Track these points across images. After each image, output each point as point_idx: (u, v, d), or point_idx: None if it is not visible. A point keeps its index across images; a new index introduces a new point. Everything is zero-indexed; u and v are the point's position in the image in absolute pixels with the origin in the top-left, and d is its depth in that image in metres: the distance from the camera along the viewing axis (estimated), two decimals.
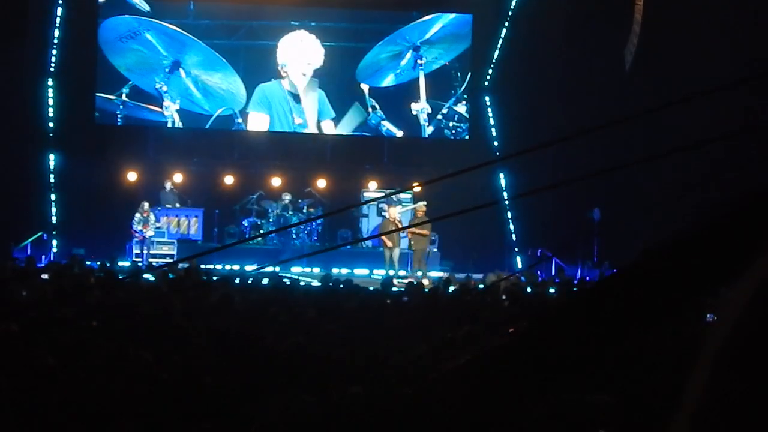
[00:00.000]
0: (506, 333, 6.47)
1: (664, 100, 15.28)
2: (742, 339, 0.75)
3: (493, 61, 20.77)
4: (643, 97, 16.23)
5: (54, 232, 19.38)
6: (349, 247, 18.94)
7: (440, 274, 17.64)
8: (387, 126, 20.95)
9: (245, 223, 19.53)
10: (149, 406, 4.73)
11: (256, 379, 5.32)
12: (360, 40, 20.90)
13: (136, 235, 18.34)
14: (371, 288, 11.49)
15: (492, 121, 21.04)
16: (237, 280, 11.52)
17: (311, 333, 6.87)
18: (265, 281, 11.44)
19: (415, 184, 18.69)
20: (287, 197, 19.66)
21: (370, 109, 20.87)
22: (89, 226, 18.68)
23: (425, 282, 14.78)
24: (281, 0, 20.60)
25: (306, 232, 19.32)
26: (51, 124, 19.71)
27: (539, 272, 16.64)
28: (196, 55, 20.38)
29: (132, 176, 20.13)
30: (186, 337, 6.68)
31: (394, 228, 16.80)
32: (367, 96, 20.83)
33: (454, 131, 21.20)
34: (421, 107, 20.95)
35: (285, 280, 11.75)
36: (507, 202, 20.23)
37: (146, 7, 20.11)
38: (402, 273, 17.05)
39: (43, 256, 17.91)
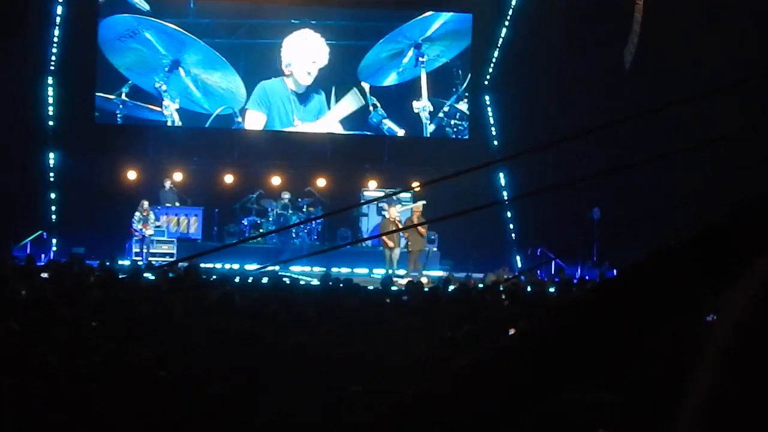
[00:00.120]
0: (506, 332, 6.47)
1: (664, 100, 15.29)
2: (742, 339, 0.75)
3: (493, 60, 20.77)
4: (644, 96, 16.22)
5: (54, 231, 19.37)
6: (348, 246, 18.92)
7: (440, 273, 17.65)
8: (388, 124, 20.95)
9: (245, 222, 19.53)
10: (149, 406, 4.73)
11: (256, 379, 5.32)
12: (361, 38, 20.89)
13: (136, 233, 18.34)
14: (371, 287, 11.49)
15: (492, 121, 21.04)
16: (237, 279, 11.53)
17: (311, 332, 6.87)
18: (264, 280, 11.44)
19: (415, 184, 18.69)
20: (286, 196, 19.66)
21: (371, 108, 20.86)
22: (89, 225, 18.67)
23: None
24: None
25: (306, 231, 19.31)
26: (51, 123, 19.70)
27: (539, 272, 16.63)
28: (196, 54, 20.37)
29: (132, 175, 20.13)
30: (186, 336, 6.68)
31: (394, 227, 16.78)
32: (368, 94, 20.83)
33: (455, 129, 21.20)
34: (422, 105, 20.96)
35: (285, 279, 11.75)
36: (506, 200, 20.24)
37: (146, 6, 20.10)
38: (401, 272, 17.04)
39: (43, 255, 17.89)
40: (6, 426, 4.05)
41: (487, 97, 21.15)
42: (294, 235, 19.14)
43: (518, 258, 19.96)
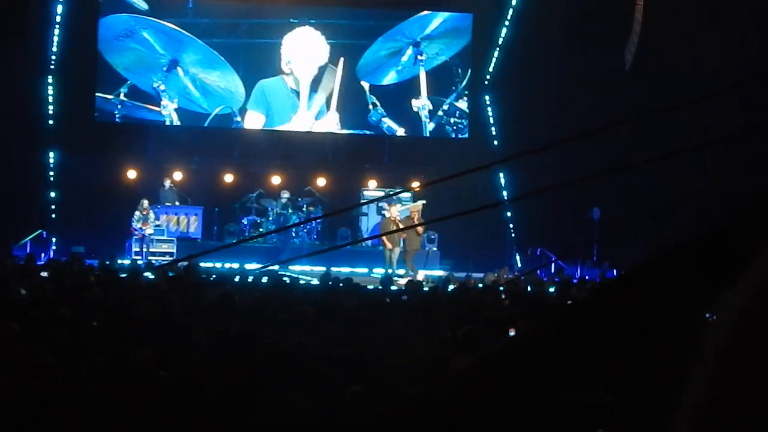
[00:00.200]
0: (506, 332, 6.47)
1: (664, 100, 15.30)
2: (741, 338, 0.76)
3: (493, 60, 20.77)
4: (644, 96, 16.22)
5: (54, 230, 19.37)
6: (348, 245, 18.91)
7: (440, 273, 17.64)
8: (388, 123, 20.94)
9: (245, 221, 19.53)
10: (149, 406, 4.73)
11: (256, 379, 5.32)
12: (360, 37, 20.88)
13: (136, 233, 18.34)
14: (371, 287, 11.48)
15: (492, 120, 21.04)
16: (236, 279, 11.52)
17: (311, 332, 6.87)
18: (264, 280, 11.44)
19: (416, 184, 18.69)
20: (286, 195, 19.66)
21: (370, 106, 20.85)
22: (89, 224, 18.67)
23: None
24: None
25: (306, 230, 19.31)
26: (51, 122, 19.70)
27: (539, 271, 16.62)
28: (194, 54, 20.34)
29: (132, 174, 20.12)
30: (185, 336, 6.68)
31: (394, 226, 16.76)
32: (367, 93, 20.82)
33: (455, 127, 21.19)
34: (422, 104, 20.95)
35: (284, 278, 11.74)
36: (506, 200, 20.23)
37: (144, 6, 20.06)
38: (401, 272, 17.04)
39: (43, 254, 17.89)
40: (6, 426, 4.05)
41: (487, 97, 21.15)
42: (294, 235, 19.14)
43: (518, 258, 19.96)
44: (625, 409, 4.10)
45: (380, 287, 11.51)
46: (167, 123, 20.33)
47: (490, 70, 20.91)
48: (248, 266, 15.89)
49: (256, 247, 18.50)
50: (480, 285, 12.56)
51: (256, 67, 20.52)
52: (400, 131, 21.03)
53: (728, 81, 14.02)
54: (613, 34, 18.07)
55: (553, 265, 18.04)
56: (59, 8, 19.36)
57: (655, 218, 15.08)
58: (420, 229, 17.00)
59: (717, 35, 15.30)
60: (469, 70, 21.02)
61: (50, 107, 19.64)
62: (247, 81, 20.50)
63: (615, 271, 16.47)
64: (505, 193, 20.22)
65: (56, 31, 19.44)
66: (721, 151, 13.59)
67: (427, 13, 20.99)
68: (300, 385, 4.93)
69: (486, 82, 21.06)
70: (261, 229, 19.21)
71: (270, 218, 19.45)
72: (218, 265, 16.46)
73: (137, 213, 18.29)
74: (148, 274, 12.15)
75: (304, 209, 19.64)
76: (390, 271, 16.72)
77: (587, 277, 15.80)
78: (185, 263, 12.50)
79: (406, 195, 18.99)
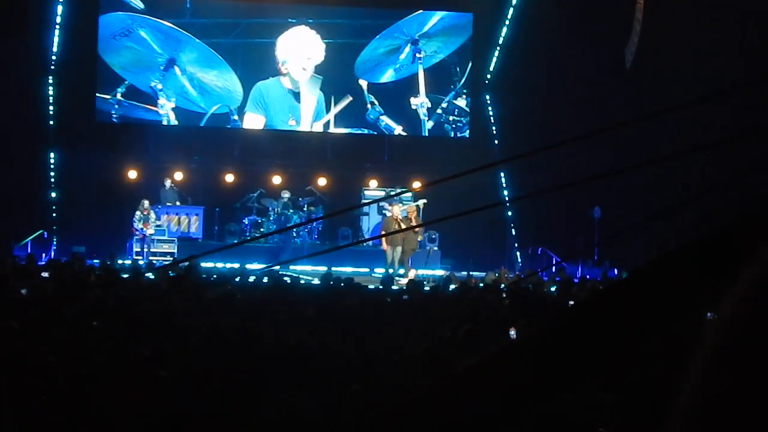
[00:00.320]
0: (506, 332, 6.47)
1: (664, 100, 15.30)
2: (738, 338, 0.75)
3: (494, 59, 20.77)
4: (644, 96, 16.22)
5: (55, 230, 19.37)
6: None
7: (441, 272, 17.64)
8: (386, 121, 20.92)
9: (246, 221, 19.53)
10: (149, 405, 4.73)
11: (256, 378, 5.32)
12: (358, 36, 20.87)
13: (137, 233, 18.34)
14: (371, 286, 11.49)
15: (492, 120, 21.04)
16: (237, 279, 11.52)
17: (311, 331, 6.87)
18: (265, 279, 11.44)
19: (417, 183, 18.68)
20: (287, 195, 19.66)
21: (369, 105, 20.84)
22: (90, 224, 18.68)
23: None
24: None
25: (306, 230, 19.31)
26: (51, 122, 19.71)
27: (539, 271, 16.63)
28: (192, 53, 20.31)
29: (132, 174, 20.12)
30: (186, 335, 6.68)
31: (397, 226, 16.74)
32: (365, 92, 20.81)
33: (454, 126, 21.18)
34: (420, 102, 20.93)
35: (285, 278, 11.75)
36: (507, 201, 20.23)
37: (140, 5, 20.02)
38: (402, 272, 17.04)
39: (44, 254, 17.90)
40: (6, 426, 4.06)
41: (487, 96, 21.14)
42: (295, 234, 19.14)
43: (519, 257, 19.96)
44: (625, 409, 4.10)
45: (381, 287, 11.51)
46: (164, 122, 20.31)
47: (491, 69, 20.91)
48: (249, 266, 15.88)
49: (257, 247, 18.49)
50: (481, 285, 12.57)
51: (254, 66, 20.50)
52: (398, 129, 21.01)
53: (728, 81, 14.02)
54: (613, 34, 18.07)
55: (553, 264, 18.05)
56: (59, 8, 19.36)
57: (655, 218, 15.08)
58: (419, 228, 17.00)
59: (717, 35, 15.30)
60: (468, 68, 21.01)
61: (51, 107, 19.64)
62: (245, 80, 20.48)
63: (616, 271, 16.46)
64: (506, 192, 20.22)
65: (56, 32, 19.44)
66: (721, 151, 13.58)
67: (425, 11, 20.98)
68: (300, 384, 4.93)
69: (486, 82, 21.06)
70: (262, 229, 19.22)
71: (271, 218, 19.45)
72: (219, 265, 16.47)
73: (138, 213, 18.29)
74: (149, 274, 12.16)
75: (305, 209, 19.65)
76: (391, 270, 16.71)
77: (588, 276, 15.80)
78: (186, 263, 12.50)
79: (407, 194, 18.99)
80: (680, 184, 15.49)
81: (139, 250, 18.34)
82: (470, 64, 21.02)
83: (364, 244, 19.46)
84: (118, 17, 20.01)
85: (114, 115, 20.19)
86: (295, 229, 19.04)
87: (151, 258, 18.05)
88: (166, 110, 20.20)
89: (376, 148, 21.15)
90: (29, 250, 17.30)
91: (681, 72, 15.45)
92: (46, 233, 19.10)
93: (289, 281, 11.36)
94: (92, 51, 19.94)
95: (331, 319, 7.75)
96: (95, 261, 14.66)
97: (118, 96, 20.07)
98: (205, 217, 19.70)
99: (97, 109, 20.21)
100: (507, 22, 20.32)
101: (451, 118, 21.14)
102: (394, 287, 11.96)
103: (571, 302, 9.29)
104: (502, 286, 11.91)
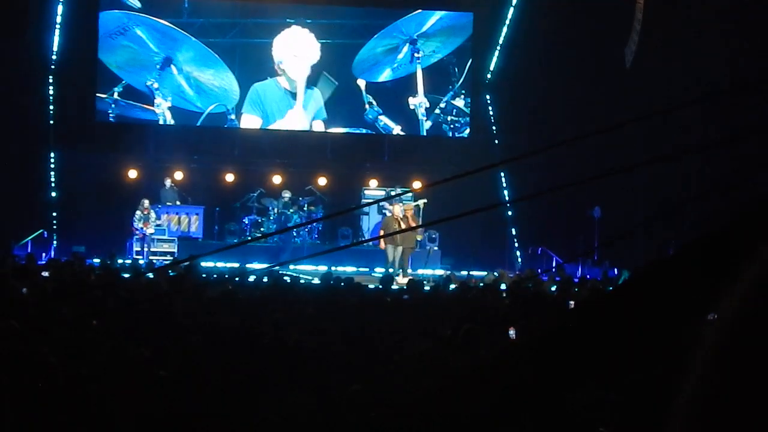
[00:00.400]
0: (506, 332, 6.47)
1: (664, 100, 15.30)
2: (738, 338, 0.76)
3: (494, 59, 20.77)
4: (644, 96, 16.21)
5: (55, 230, 19.37)
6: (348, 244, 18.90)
7: (441, 272, 17.64)
8: (384, 121, 20.91)
9: (246, 220, 19.53)
10: (149, 405, 4.73)
11: (256, 377, 5.32)
12: (357, 36, 20.85)
13: (137, 232, 18.34)
14: (371, 286, 11.49)
15: (493, 120, 21.04)
16: (237, 279, 11.52)
17: (311, 331, 6.87)
18: (265, 279, 11.44)
19: (418, 184, 18.67)
20: (287, 194, 19.66)
21: (367, 105, 20.83)
22: (90, 224, 18.67)
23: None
24: None
25: (306, 229, 19.31)
26: (51, 122, 19.70)
27: (539, 271, 16.63)
28: (188, 52, 20.26)
29: (132, 174, 20.12)
30: (186, 334, 6.68)
31: (397, 225, 16.74)
32: (363, 92, 20.79)
33: (452, 126, 21.17)
34: (418, 101, 20.92)
35: (285, 277, 11.75)
36: (507, 200, 20.23)
37: (137, 4, 19.98)
38: (400, 272, 17.03)
39: (44, 254, 17.90)
40: (6, 426, 4.06)
41: (487, 96, 21.14)
42: (295, 234, 19.14)
43: (519, 257, 19.96)
44: (625, 409, 4.10)
45: (381, 286, 11.51)
46: (161, 122, 20.28)
47: (491, 69, 20.91)
48: (249, 266, 15.88)
49: (257, 247, 18.47)
50: (481, 285, 12.56)
51: (251, 65, 20.45)
52: (397, 129, 20.99)
53: (728, 81, 14.03)
54: (613, 34, 18.06)
55: (553, 263, 18.05)
56: (59, 8, 19.36)
57: (655, 218, 15.08)
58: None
59: (717, 35, 15.29)
60: (467, 68, 21.00)
61: (51, 107, 19.64)
62: (242, 80, 20.44)
63: (616, 270, 16.46)
64: (506, 192, 20.22)
65: (56, 32, 19.43)
66: (721, 151, 13.59)
67: (423, 11, 20.97)
68: (300, 383, 4.94)
69: (486, 82, 21.06)
70: (262, 229, 19.22)
71: (271, 218, 19.44)
72: (219, 264, 16.47)
73: (138, 213, 18.29)
74: (149, 275, 12.16)
75: (305, 208, 19.64)
76: (391, 270, 16.71)
77: (588, 276, 15.81)
78: (186, 263, 12.49)
79: (408, 195, 18.98)
80: (680, 184, 15.49)
81: (139, 249, 18.34)
82: (469, 64, 21.01)
83: (364, 244, 19.47)
84: (114, 15, 19.96)
85: (111, 115, 20.15)
86: (295, 229, 19.04)
87: (151, 258, 18.04)
88: (162, 109, 20.17)
89: (376, 147, 21.14)
90: (29, 250, 17.30)
91: (681, 72, 15.45)
92: (46, 233, 19.10)
93: (289, 281, 11.36)
94: (92, 51, 19.92)
95: (331, 319, 7.75)
96: (95, 261, 14.66)
97: (116, 95, 20.05)
98: (205, 217, 19.70)
99: (95, 109, 20.19)
100: (507, 22, 20.31)
101: (449, 118, 21.13)
102: (394, 287, 11.95)
103: (571, 302, 9.30)
104: (502, 286, 11.90)
